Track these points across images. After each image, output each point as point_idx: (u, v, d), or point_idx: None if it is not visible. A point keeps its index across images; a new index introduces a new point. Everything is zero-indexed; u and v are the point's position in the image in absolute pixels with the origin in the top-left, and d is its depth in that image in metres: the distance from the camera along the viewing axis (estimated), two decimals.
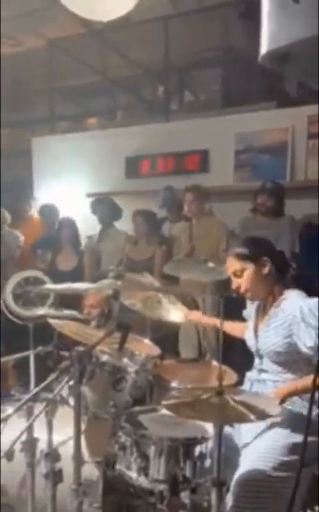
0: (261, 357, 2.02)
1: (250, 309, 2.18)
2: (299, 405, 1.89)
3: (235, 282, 2.03)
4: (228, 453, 1.80)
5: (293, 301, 1.93)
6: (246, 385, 2.06)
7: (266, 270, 1.98)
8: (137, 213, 4.15)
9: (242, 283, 2.01)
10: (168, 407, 1.58)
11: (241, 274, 2.00)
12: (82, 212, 4.64)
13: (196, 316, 2.51)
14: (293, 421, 1.86)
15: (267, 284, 2.00)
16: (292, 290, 1.98)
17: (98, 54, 5.79)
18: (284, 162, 4.41)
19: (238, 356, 2.40)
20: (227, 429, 1.88)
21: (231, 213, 4.10)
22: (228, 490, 1.69)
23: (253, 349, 2.06)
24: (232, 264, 2.02)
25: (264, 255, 1.99)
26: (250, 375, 2.07)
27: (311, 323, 1.81)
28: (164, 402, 1.60)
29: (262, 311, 2.06)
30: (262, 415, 1.48)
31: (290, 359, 1.92)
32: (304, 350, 1.84)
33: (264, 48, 0.87)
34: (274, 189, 3.79)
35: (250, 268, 1.99)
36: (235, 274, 2.02)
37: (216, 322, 2.43)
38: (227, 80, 5.23)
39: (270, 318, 1.98)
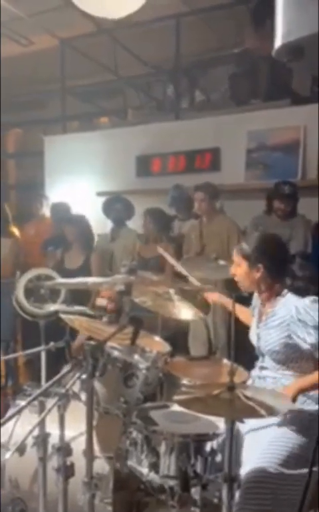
0: (262, 354, 2.07)
1: (254, 305, 2.22)
2: (300, 401, 1.91)
3: (234, 270, 2.12)
4: (238, 449, 1.81)
5: (288, 301, 1.98)
6: (249, 383, 2.10)
7: (257, 275, 2.03)
8: (147, 212, 4.16)
9: (237, 273, 2.10)
10: (180, 402, 1.58)
11: (237, 266, 2.10)
12: (92, 210, 4.66)
13: (215, 296, 2.53)
14: (294, 418, 1.88)
15: (258, 285, 2.07)
16: (288, 294, 2.02)
17: (110, 53, 5.80)
18: (296, 160, 4.39)
19: (249, 355, 2.41)
20: (237, 425, 1.88)
21: (243, 211, 4.10)
22: (239, 486, 1.68)
23: (255, 346, 2.12)
24: (234, 254, 2.12)
25: (261, 262, 2.02)
26: (253, 373, 2.12)
27: (307, 321, 1.87)
28: (176, 397, 1.61)
29: (262, 310, 2.11)
30: (272, 411, 1.48)
31: (289, 357, 1.97)
32: (306, 347, 1.89)
33: (278, 42, 0.87)
34: (292, 194, 3.76)
35: (244, 267, 2.07)
36: (236, 264, 2.11)
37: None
38: (239, 79, 5.21)
39: (268, 317, 2.03)
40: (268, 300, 2.07)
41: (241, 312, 2.31)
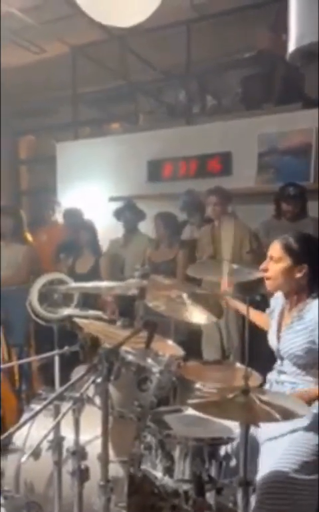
0: (281, 358, 2.02)
1: (273, 308, 2.17)
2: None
3: (266, 264, 2.00)
4: (253, 453, 1.79)
5: (317, 306, 1.91)
6: (266, 387, 2.06)
7: (299, 275, 1.94)
8: (158, 216, 4.18)
9: (271, 269, 1.98)
10: (194, 406, 1.58)
11: (276, 262, 1.97)
12: (105, 216, 4.69)
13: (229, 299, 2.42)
14: (312, 423, 1.84)
15: (293, 286, 1.97)
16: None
17: (120, 60, 5.85)
18: (307, 163, 4.37)
19: (262, 360, 2.39)
20: (253, 431, 1.87)
21: (254, 215, 4.09)
22: (254, 490, 1.68)
23: (274, 349, 2.06)
24: (275, 248, 1.98)
25: (306, 261, 1.92)
26: (270, 376, 2.08)
27: None
28: (190, 401, 1.61)
29: (286, 312, 2.05)
30: (288, 414, 1.47)
31: (310, 362, 1.92)
32: None
33: (292, 46, 0.87)
34: (299, 194, 3.75)
35: (286, 263, 1.95)
36: (271, 258, 1.99)
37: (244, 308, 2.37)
38: (251, 82, 5.22)
39: (294, 320, 1.96)
40: (297, 303, 1.98)
41: (256, 315, 2.25)
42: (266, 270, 2.00)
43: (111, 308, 3.69)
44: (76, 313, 2.37)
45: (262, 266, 2.02)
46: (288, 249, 1.95)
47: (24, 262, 4.24)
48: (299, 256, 1.93)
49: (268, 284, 2.02)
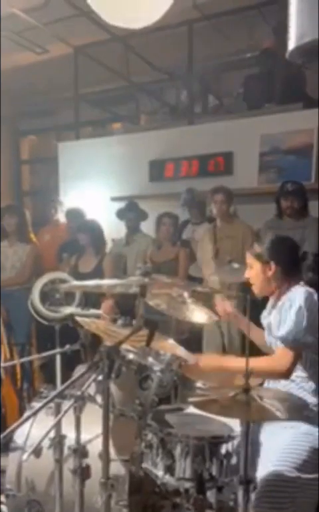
0: None
1: (265, 315, 2.22)
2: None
3: (247, 273, 2.16)
4: (253, 451, 1.80)
5: (293, 295, 1.99)
6: (265, 385, 2.08)
7: (270, 272, 2.07)
8: (165, 214, 4.18)
9: (250, 276, 2.15)
10: (196, 404, 1.58)
11: (250, 268, 2.15)
12: (107, 216, 4.69)
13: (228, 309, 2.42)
14: (312, 421, 1.85)
15: (271, 284, 2.10)
16: (301, 287, 2.02)
17: (122, 60, 5.86)
18: (309, 163, 4.38)
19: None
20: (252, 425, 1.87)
21: (256, 215, 4.10)
22: (255, 488, 1.68)
23: (272, 345, 2.10)
24: (248, 257, 2.16)
25: (271, 259, 2.07)
26: None
27: (290, 313, 1.91)
28: (191, 399, 1.61)
29: (272, 308, 2.13)
30: (288, 413, 1.48)
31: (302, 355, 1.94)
32: (277, 335, 1.94)
33: (292, 44, 0.88)
34: (298, 190, 3.77)
35: (256, 267, 2.11)
36: (250, 267, 2.15)
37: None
38: (253, 81, 5.23)
39: (277, 313, 2.04)
40: (280, 297, 2.07)
41: (257, 333, 2.25)
42: (248, 278, 2.17)
43: (108, 309, 3.67)
44: (77, 312, 2.37)
45: (246, 274, 2.18)
46: (254, 254, 2.14)
47: (28, 261, 4.25)
48: (262, 256, 2.10)
49: (254, 289, 2.17)
